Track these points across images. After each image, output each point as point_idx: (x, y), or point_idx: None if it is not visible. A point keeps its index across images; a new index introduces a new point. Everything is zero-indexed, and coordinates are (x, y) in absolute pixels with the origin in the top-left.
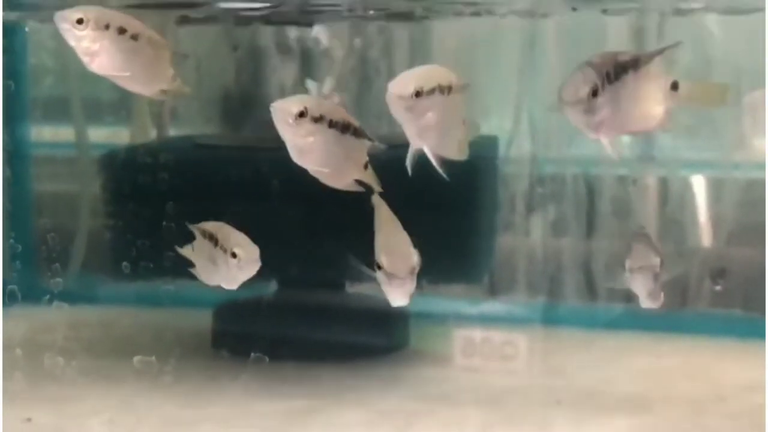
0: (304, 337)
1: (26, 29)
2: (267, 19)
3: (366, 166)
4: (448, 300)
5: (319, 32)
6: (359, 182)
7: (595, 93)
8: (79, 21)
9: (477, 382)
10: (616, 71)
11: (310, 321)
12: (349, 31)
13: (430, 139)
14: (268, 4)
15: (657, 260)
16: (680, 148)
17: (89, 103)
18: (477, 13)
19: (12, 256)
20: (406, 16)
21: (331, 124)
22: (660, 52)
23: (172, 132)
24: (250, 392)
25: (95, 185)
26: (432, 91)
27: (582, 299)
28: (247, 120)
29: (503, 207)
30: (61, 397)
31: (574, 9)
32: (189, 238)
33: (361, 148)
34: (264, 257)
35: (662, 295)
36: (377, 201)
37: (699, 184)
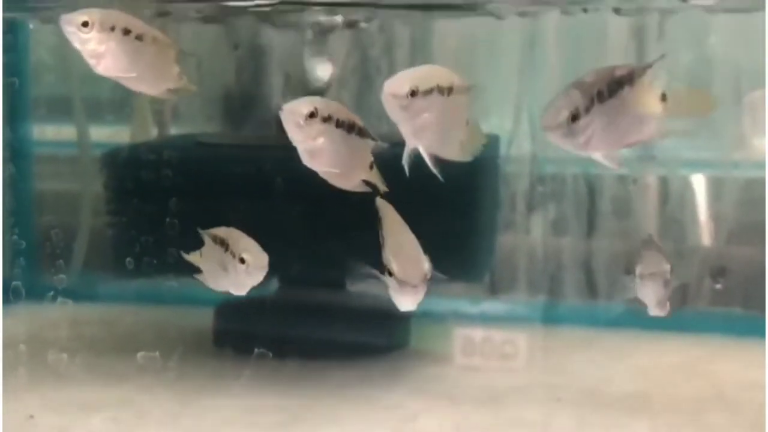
0: (305, 335)
1: (30, 27)
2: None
3: (371, 167)
4: (449, 299)
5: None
6: (365, 182)
7: (575, 117)
8: (84, 24)
9: (477, 380)
10: (611, 88)
11: (312, 320)
12: (350, 29)
13: (426, 139)
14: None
15: (667, 267)
16: (680, 148)
17: (91, 102)
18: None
19: (16, 253)
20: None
21: (339, 124)
22: (650, 64)
23: (174, 130)
24: (252, 390)
25: (97, 183)
26: (429, 92)
27: (582, 298)
28: (249, 118)
29: (504, 206)
30: (64, 394)
31: (585, 10)
32: (194, 239)
33: (365, 148)
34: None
35: (668, 303)
36: (384, 205)
37: (699, 183)
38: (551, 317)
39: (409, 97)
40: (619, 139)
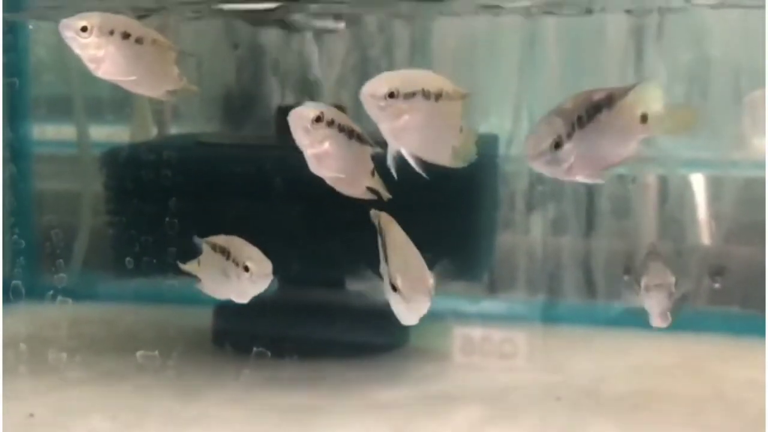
0: (304, 334)
1: (30, 27)
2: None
3: (373, 173)
4: (448, 298)
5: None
6: (368, 189)
7: (558, 144)
8: (83, 29)
9: (476, 379)
10: (589, 113)
11: (311, 319)
12: (349, 28)
13: (408, 141)
14: None
15: (672, 279)
16: (679, 147)
17: (91, 101)
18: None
19: (16, 252)
20: None
21: (341, 129)
22: (630, 87)
23: (174, 130)
24: (251, 389)
25: (97, 183)
26: (411, 95)
27: (581, 297)
28: (249, 118)
29: (503, 205)
30: (64, 393)
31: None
32: (194, 239)
33: (366, 154)
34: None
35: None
36: (386, 219)
37: (698, 183)
38: (550, 316)
39: (387, 98)
40: (602, 161)
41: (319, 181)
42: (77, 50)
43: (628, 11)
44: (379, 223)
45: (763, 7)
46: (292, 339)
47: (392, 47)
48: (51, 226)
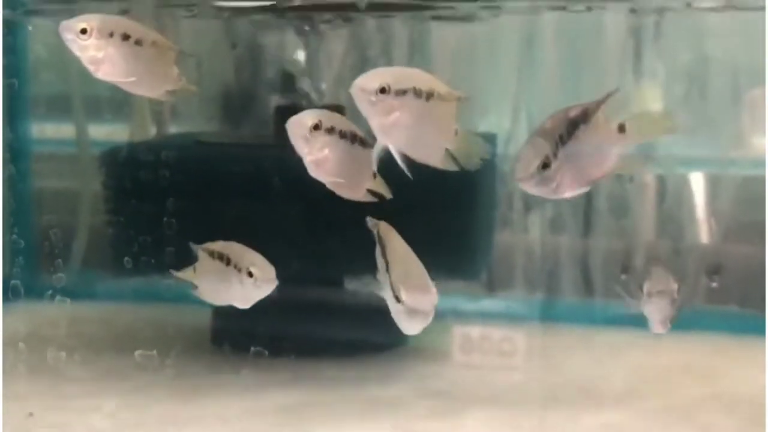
0: (303, 333)
1: (29, 27)
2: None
3: (375, 175)
4: (447, 296)
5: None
6: (370, 192)
7: (546, 165)
8: (83, 31)
9: (475, 378)
10: (569, 130)
11: (309, 317)
12: (348, 28)
13: (397, 138)
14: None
15: (675, 286)
16: (678, 146)
17: (90, 101)
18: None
19: (15, 251)
20: None
21: (342, 135)
22: (604, 99)
23: (173, 129)
24: (250, 388)
25: (96, 182)
26: (402, 92)
27: (580, 296)
28: (248, 117)
29: (501, 204)
30: (63, 391)
31: (589, 8)
32: (193, 239)
33: (368, 158)
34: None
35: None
36: (387, 230)
37: (696, 181)
38: (549, 315)
39: (378, 93)
40: (586, 175)
41: (317, 181)
42: (77, 52)
43: (632, 10)
44: (378, 233)
45: (763, 8)
46: (291, 338)
47: (391, 46)
48: (50, 226)
